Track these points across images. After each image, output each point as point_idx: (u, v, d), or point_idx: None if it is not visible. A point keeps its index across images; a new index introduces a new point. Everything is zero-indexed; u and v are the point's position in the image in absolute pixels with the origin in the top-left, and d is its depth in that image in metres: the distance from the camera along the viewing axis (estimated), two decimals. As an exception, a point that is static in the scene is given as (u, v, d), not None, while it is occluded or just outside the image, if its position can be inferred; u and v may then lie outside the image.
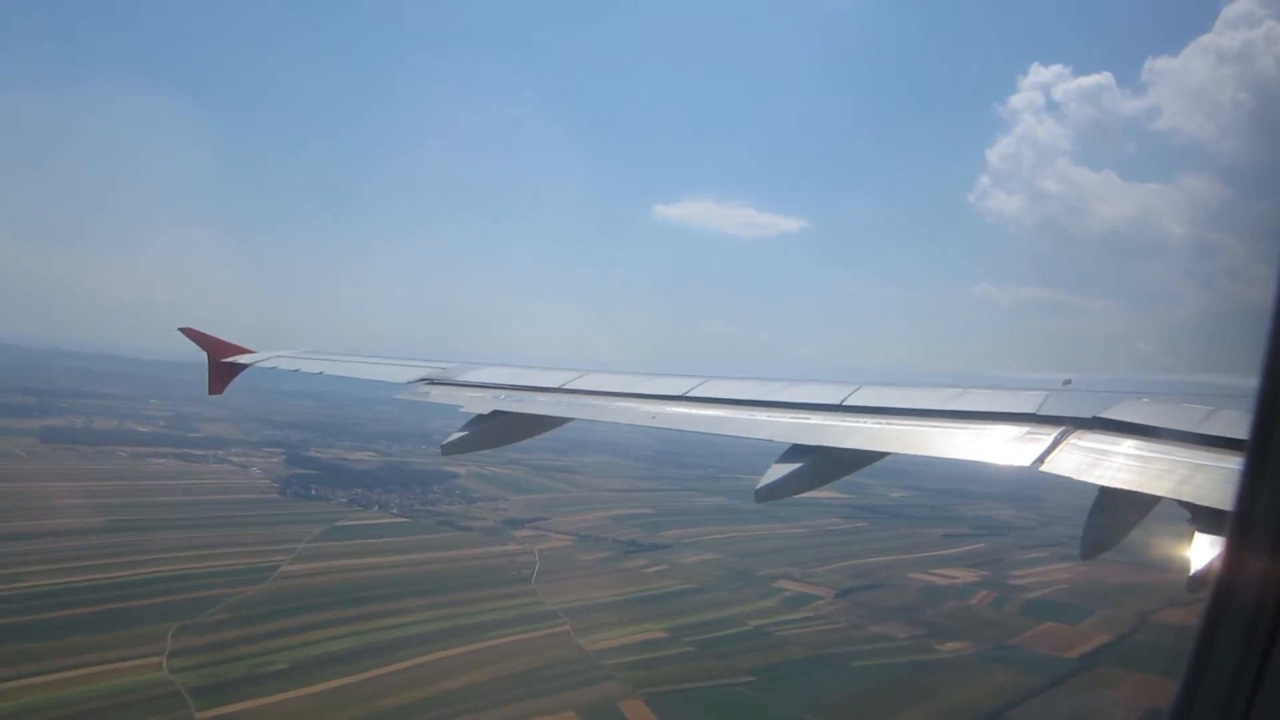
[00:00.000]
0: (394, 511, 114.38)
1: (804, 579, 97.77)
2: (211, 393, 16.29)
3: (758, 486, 7.81)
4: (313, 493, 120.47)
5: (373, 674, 61.26)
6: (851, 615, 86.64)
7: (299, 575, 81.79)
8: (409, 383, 12.40)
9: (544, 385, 10.97)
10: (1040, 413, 7.08)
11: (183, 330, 16.53)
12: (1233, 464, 5.19)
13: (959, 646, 78.76)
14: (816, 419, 8.34)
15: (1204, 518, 5.27)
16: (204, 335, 16.33)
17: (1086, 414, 6.76)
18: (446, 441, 10.84)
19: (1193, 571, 5.09)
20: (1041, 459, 6.41)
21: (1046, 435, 6.68)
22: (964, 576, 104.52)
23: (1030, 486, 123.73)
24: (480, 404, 11.00)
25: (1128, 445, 6.21)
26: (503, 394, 11.18)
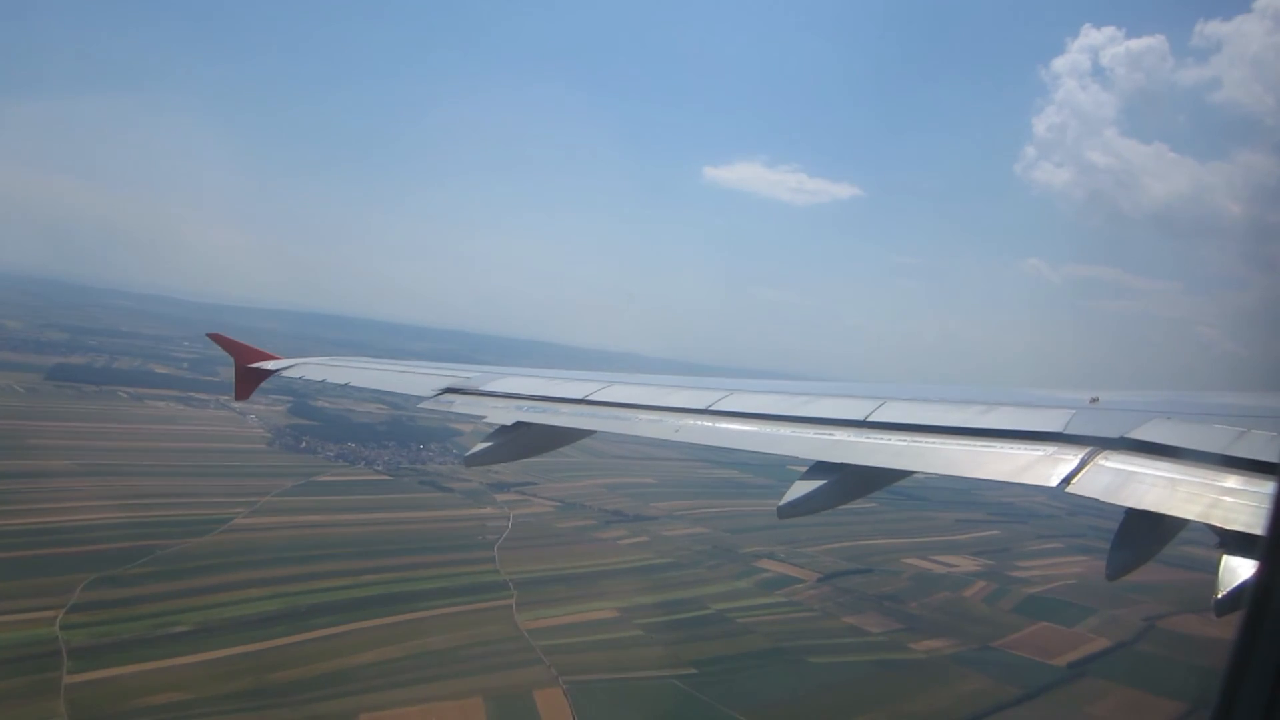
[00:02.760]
0: (378, 468, 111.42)
1: (789, 559, 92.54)
2: (238, 398, 16.91)
3: (780, 504, 7.75)
4: (302, 445, 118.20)
5: (279, 642, 57.82)
6: (829, 602, 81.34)
7: (249, 530, 78.88)
8: (434, 394, 12.45)
9: (568, 396, 11.10)
10: (1067, 432, 7.08)
11: (210, 336, 16.99)
12: (1264, 488, 5.35)
13: (935, 645, 73.08)
14: (841, 434, 8.38)
15: (1233, 542, 5.29)
16: (231, 341, 16.50)
17: (1114, 434, 6.78)
18: (470, 453, 10.92)
19: (1221, 595, 5.13)
20: (1068, 479, 6.43)
21: (1074, 455, 6.68)
22: (964, 565, 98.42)
23: None
24: (504, 414, 11.00)
25: (1156, 467, 6.24)
26: (526, 405, 11.20)
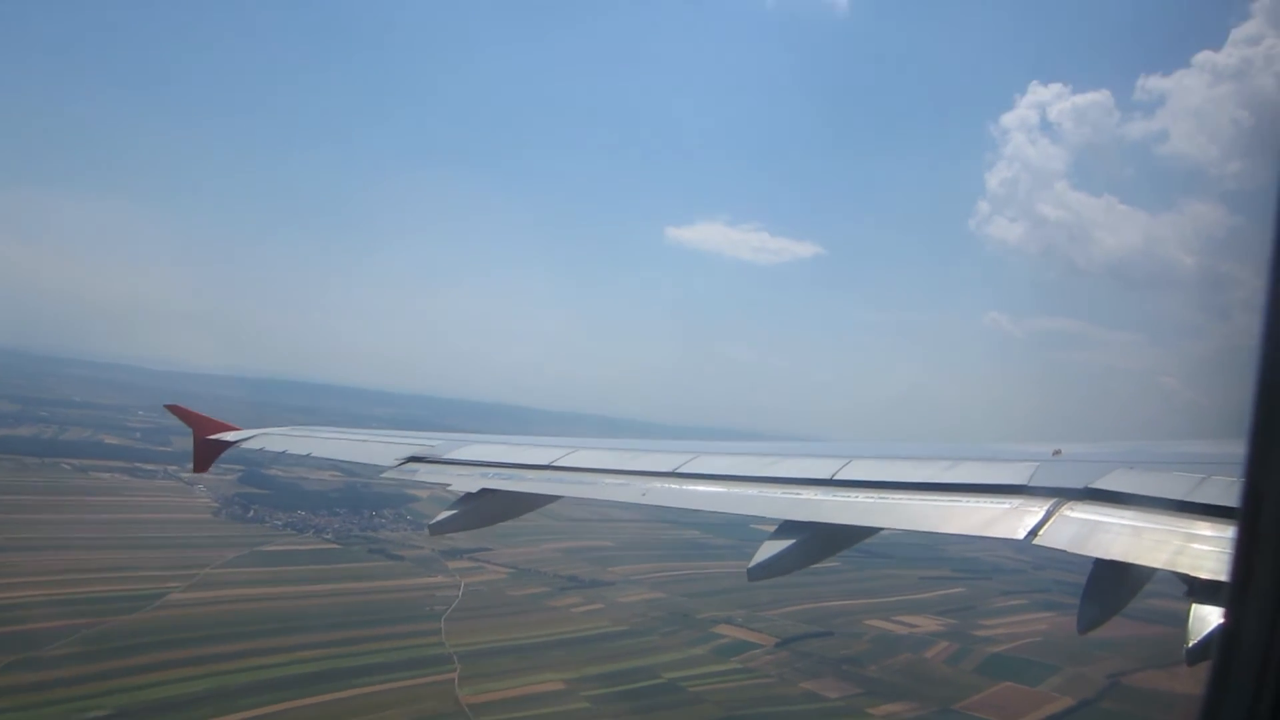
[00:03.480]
0: (328, 536, 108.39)
1: (747, 624, 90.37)
2: (196, 470, 16.88)
3: (749, 566, 7.66)
4: (250, 514, 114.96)
5: (203, 726, 54.95)
6: (786, 668, 79.20)
7: (183, 606, 75.84)
8: (397, 463, 12.17)
9: (533, 462, 11.02)
10: (1031, 484, 7.13)
11: (168, 407, 16.86)
12: (1227, 533, 5.31)
13: (894, 710, 71.15)
14: (808, 494, 8.33)
15: (1201, 589, 5.33)
16: (189, 413, 16.40)
17: (1078, 484, 6.81)
18: (434, 521, 10.80)
19: (1192, 643, 5.26)
20: (1034, 532, 6.42)
21: (1039, 508, 6.70)
22: (926, 625, 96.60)
23: None
24: (468, 482, 10.86)
25: (1121, 516, 6.26)
26: (491, 471, 11.11)
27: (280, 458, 15.89)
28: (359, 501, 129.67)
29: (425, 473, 11.72)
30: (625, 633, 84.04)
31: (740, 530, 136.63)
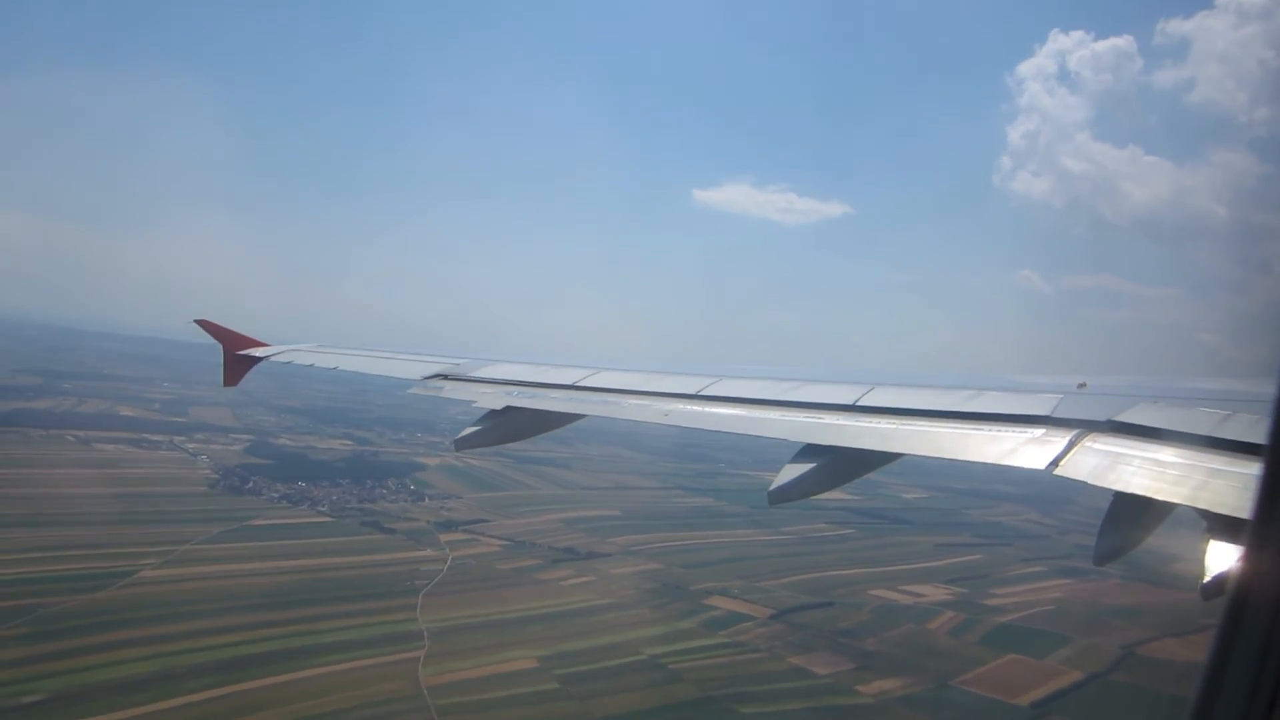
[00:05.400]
0: (322, 509, 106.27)
1: (743, 595, 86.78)
2: (227, 384, 16.83)
3: (770, 488, 7.74)
4: (248, 486, 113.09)
5: (139, 711, 52.53)
6: (777, 642, 75.53)
7: (151, 583, 73.83)
8: (424, 378, 12.56)
9: (558, 382, 11.18)
10: (1055, 415, 7.10)
11: (198, 322, 16.79)
12: (1250, 469, 5.25)
13: (887, 686, 67.23)
14: (830, 419, 8.34)
15: (1220, 525, 5.27)
16: (219, 328, 16.59)
17: (1101, 417, 6.77)
18: (459, 436, 10.87)
19: (1207, 579, 5.16)
20: (1056, 462, 6.41)
21: (1061, 438, 6.67)
22: (934, 595, 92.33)
23: (1060, 489, 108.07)
24: (493, 399, 11.04)
25: (1143, 449, 6.19)
26: (516, 390, 11.31)
27: (308, 371, 16.28)
28: (365, 471, 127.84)
29: (451, 389, 12.06)
30: (611, 606, 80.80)
31: (755, 497, 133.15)
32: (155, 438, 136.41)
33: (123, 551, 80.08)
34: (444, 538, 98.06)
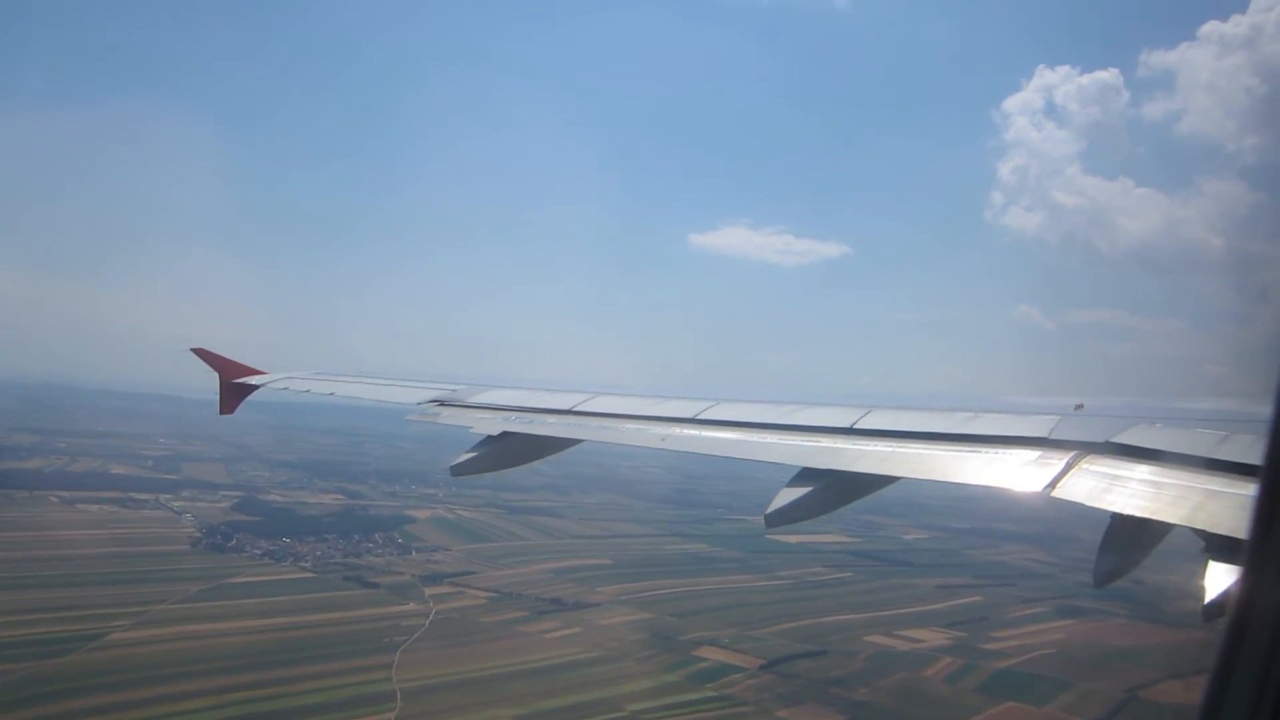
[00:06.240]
0: (305, 565, 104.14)
1: (734, 645, 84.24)
2: (223, 412, 16.73)
3: (767, 511, 7.72)
4: (231, 544, 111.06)
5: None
6: (766, 694, 72.97)
7: (119, 646, 71.68)
8: (419, 404, 12.54)
9: (554, 407, 11.20)
10: (1052, 437, 7.10)
11: (195, 351, 16.81)
12: (1247, 490, 5.24)
13: (879, 738, 64.74)
14: (827, 442, 8.36)
15: (1219, 546, 5.28)
16: (215, 356, 16.67)
17: (1099, 439, 6.78)
18: (456, 463, 10.83)
19: (1207, 600, 5.11)
20: (1053, 484, 6.40)
21: (1058, 460, 6.66)
22: (931, 639, 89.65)
23: (1063, 527, 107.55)
24: (490, 425, 11.03)
25: (1141, 471, 6.22)
26: (513, 415, 11.28)
27: (304, 397, 16.09)
28: (353, 526, 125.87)
29: (448, 415, 12.03)
30: (597, 660, 78.36)
31: (751, 542, 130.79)
32: (141, 496, 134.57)
33: (92, 613, 78.07)
34: (428, 591, 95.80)
